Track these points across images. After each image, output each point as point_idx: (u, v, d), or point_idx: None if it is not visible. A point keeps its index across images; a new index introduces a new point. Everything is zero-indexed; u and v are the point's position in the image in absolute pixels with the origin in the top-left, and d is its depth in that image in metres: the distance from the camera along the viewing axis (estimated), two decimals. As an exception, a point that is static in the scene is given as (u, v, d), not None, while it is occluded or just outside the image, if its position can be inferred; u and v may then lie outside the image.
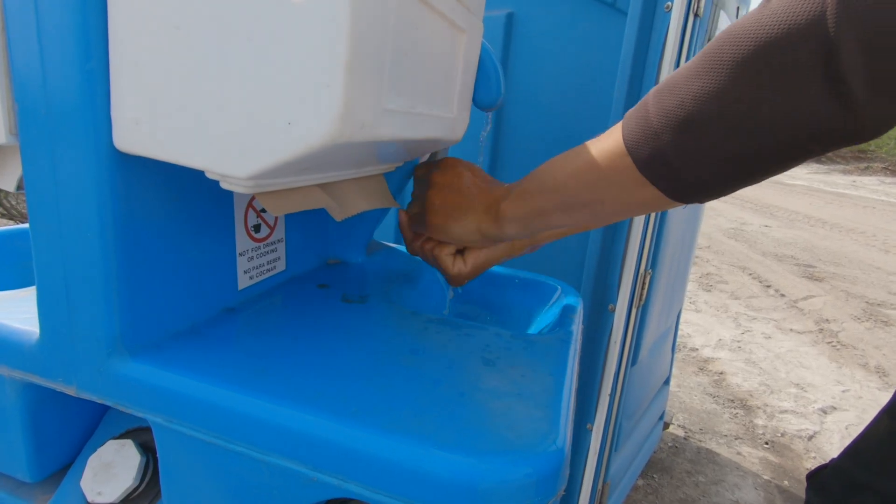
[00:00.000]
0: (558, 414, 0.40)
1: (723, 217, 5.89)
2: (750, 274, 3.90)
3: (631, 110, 0.41)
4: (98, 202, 0.37)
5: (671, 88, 0.36)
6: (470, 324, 0.56)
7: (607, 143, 0.41)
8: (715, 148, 0.35)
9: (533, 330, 0.67)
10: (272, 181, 0.37)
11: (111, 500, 0.46)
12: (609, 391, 0.98)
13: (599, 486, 1.21)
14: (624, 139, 0.39)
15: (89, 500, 0.46)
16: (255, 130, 0.32)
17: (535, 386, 0.44)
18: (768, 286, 3.65)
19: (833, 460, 0.58)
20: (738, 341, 2.76)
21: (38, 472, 0.49)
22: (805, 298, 3.42)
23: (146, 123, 0.35)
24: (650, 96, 0.39)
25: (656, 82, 0.85)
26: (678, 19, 0.80)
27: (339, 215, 0.48)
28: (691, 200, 0.40)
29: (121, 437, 0.50)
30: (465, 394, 0.41)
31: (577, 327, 0.61)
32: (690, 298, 3.33)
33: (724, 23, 1.10)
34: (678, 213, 1.18)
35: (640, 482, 1.68)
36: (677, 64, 0.91)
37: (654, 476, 1.72)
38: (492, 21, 0.95)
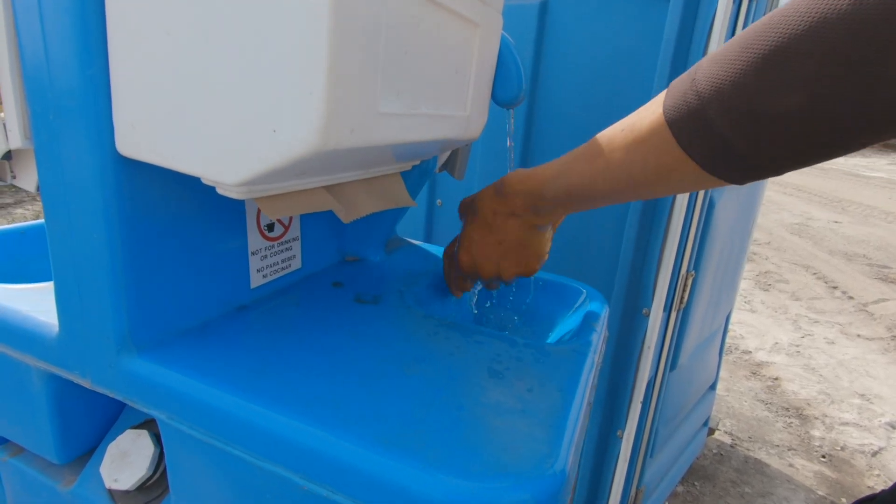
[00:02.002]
0: (562, 435, 0.38)
1: (786, 211, 5.52)
2: (814, 273, 3.65)
3: (675, 82, 0.38)
4: (103, 204, 0.38)
5: (723, 55, 0.33)
6: (482, 330, 0.54)
7: (644, 114, 0.38)
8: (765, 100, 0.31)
9: (553, 337, 0.65)
10: (267, 186, 0.37)
11: (126, 488, 0.47)
12: (641, 398, 0.94)
13: (632, 493, 1.17)
14: (665, 102, 0.37)
15: (107, 486, 0.48)
16: (242, 137, 0.32)
17: (542, 402, 0.42)
18: (834, 287, 3.40)
19: (884, 492, 0.53)
20: (797, 345, 2.58)
21: (65, 455, 0.51)
22: (876, 302, 3.16)
23: (143, 129, 0.35)
24: (702, 65, 0.35)
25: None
26: (726, 4, 0.74)
27: (345, 217, 0.47)
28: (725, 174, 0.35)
29: (139, 426, 0.52)
30: (465, 408, 0.40)
31: (599, 336, 0.58)
32: (745, 297, 3.15)
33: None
34: (726, 211, 1.10)
35: (680, 489, 1.62)
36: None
37: (696, 483, 1.65)
38: (525, 9, 0.91)
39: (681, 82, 0.36)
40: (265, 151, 0.31)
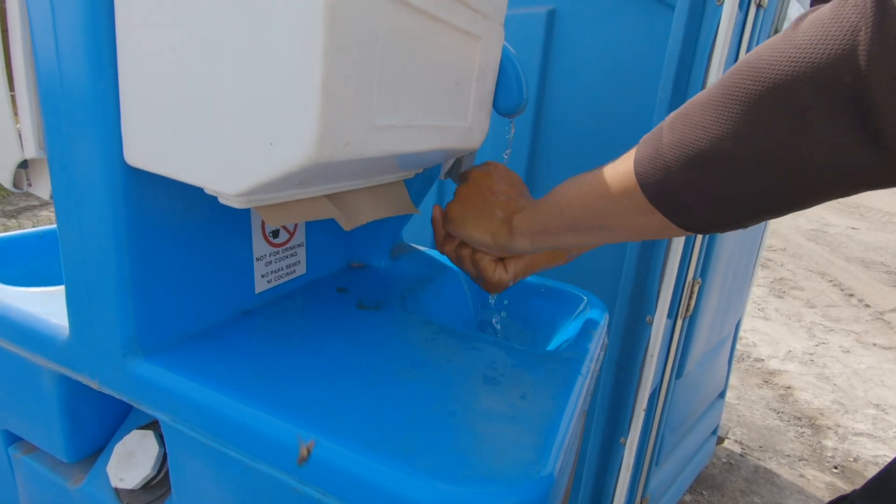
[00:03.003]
0: (551, 441, 0.39)
1: (803, 217, 5.44)
2: (830, 280, 3.59)
3: (646, 136, 0.39)
4: (112, 212, 0.39)
5: (685, 118, 0.35)
6: (481, 337, 0.55)
7: (619, 171, 0.40)
8: (726, 188, 0.33)
9: (552, 344, 0.65)
10: (267, 196, 0.38)
11: (131, 487, 0.49)
12: (645, 406, 0.93)
13: (637, 501, 1.16)
14: (635, 167, 0.38)
15: (113, 484, 0.50)
16: (241, 150, 0.33)
17: (533, 409, 0.43)
18: (850, 295, 3.34)
19: (855, 491, 0.53)
20: (811, 354, 2.55)
21: (74, 454, 0.53)
22: (894, 310, 3.10)
23: (149, 141, 0.36)
24: (666, 123, 0.37)
25: (704, 81, 0.79)
26: (730, 12, 0.74)
27: (346, 225, 0.48)
28: (703, 231, 0.38)
29: (145, 427, 0.53)
30: (457, 414, 0.41)
31: (598, 343, 0.58)
32: (759, 304, 3.11)
33: (795, 12, 1.00)
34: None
35: (688, 498, 1.60)
36: (734, 60, 0.84)
37: (704, 492, 1.63)
38: (532, 18, 0.92)
39: (650, 144, 0.37)
40: (263, 163, 0.32)
